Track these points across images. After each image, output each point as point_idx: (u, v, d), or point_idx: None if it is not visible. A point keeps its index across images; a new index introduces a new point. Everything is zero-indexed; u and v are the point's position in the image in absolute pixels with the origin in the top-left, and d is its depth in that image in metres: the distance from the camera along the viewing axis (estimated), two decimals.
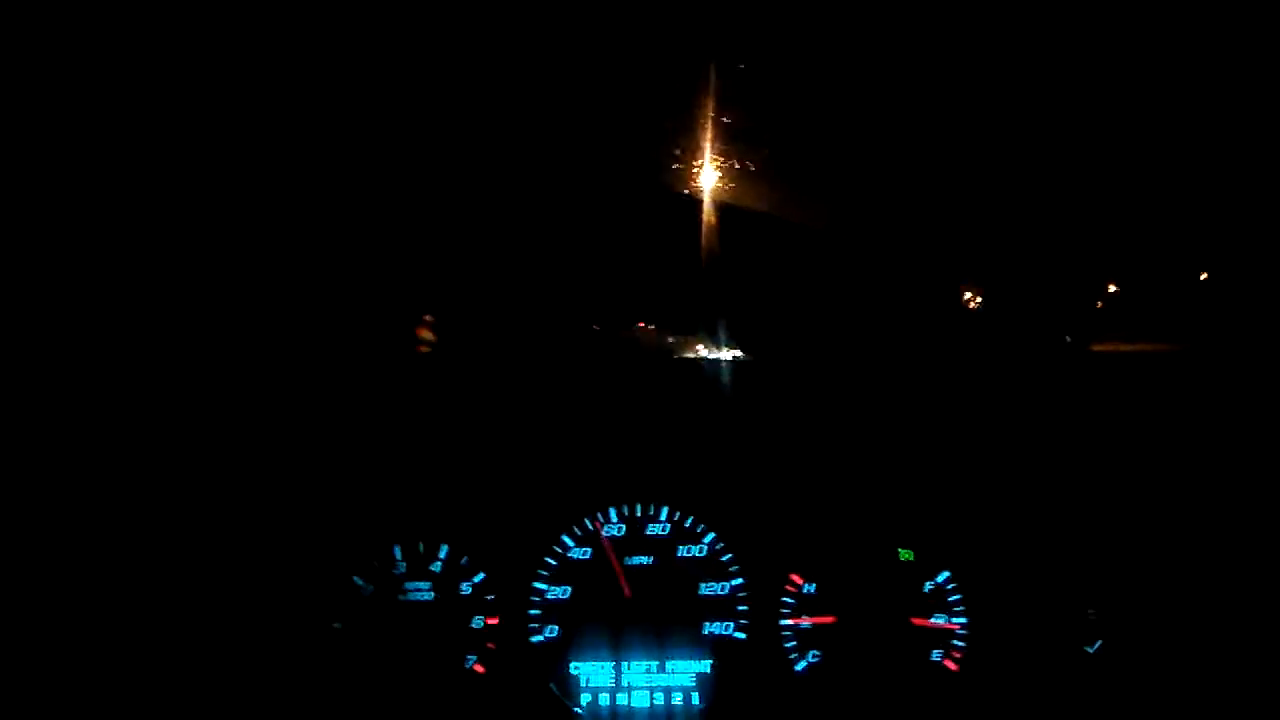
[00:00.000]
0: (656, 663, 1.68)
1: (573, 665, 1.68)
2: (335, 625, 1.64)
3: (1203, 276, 1.97)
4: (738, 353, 1.74)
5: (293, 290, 1.53)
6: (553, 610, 1.68)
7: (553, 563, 1.69)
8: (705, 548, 1.71)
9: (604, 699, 1.67)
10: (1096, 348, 1.89)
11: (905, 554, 1.68)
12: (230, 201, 1.52)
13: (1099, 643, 1.61)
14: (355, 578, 1.66)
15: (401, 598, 1.67)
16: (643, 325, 1.72)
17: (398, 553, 1.68)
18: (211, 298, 1.56)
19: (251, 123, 1.55)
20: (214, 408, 1.61)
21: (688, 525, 1.71)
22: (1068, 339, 1.86)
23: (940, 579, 1.67)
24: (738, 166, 1.65)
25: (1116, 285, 2.00)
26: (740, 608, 1.68)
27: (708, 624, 1.69)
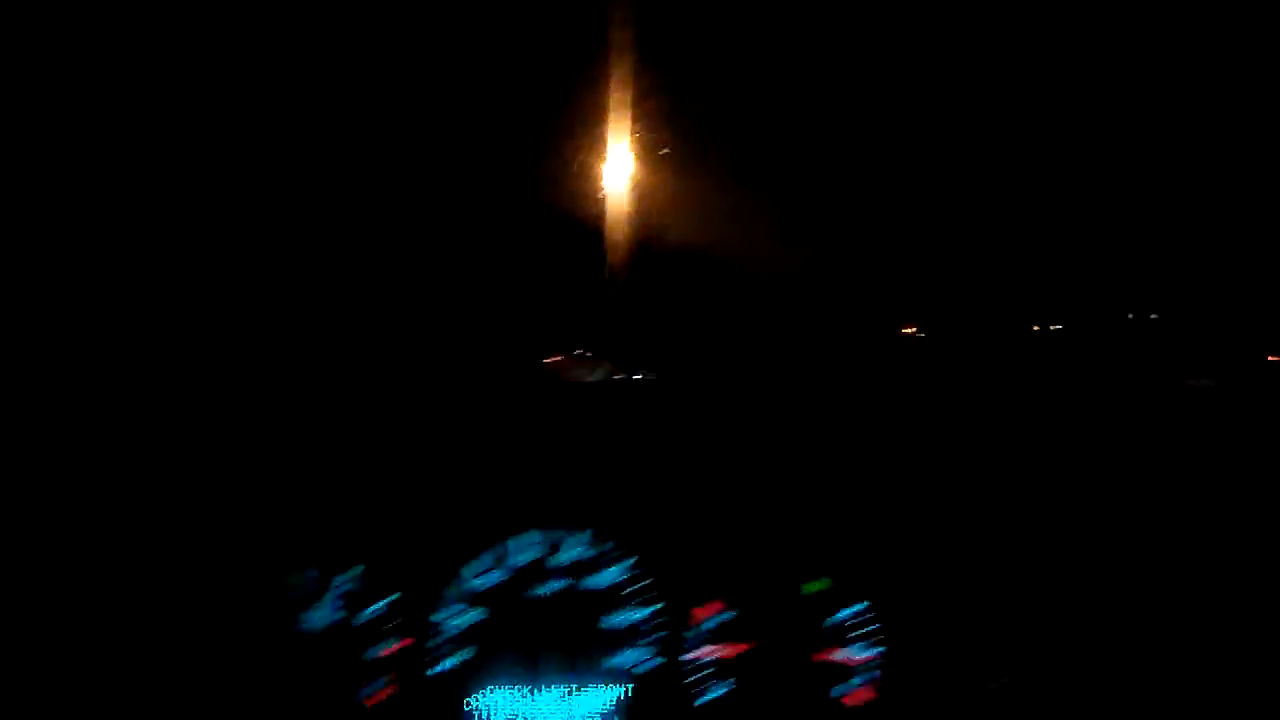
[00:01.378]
0: (568, 691, 1.65)
1: (482, 693, 1.64)
2: (236, 647, 1.60)
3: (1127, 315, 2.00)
4: (656, 375, 1.73)
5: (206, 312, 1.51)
6: (462, 636, 1.65)
7: (464, 587, 1.66)
8: (621, 574, 1.68)
9: None
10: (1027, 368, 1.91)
11: (821, 584, 1.67)
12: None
13: (1004, 679, 1.60)
14: (259, 600, 1.62)
15: (309, 618, 1.63)
16: (560, 351, 1.71)
17: (305, 575, 1.64)
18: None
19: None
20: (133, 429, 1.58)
21: (604, 551, 1.69)
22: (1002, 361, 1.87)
23: (855, 609, 1.65)
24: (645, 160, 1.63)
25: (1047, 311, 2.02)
26: (655, 635, 1.66)
27: (620, 652, 1.66)
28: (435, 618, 1.64)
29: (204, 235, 1.61)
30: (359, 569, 1.64)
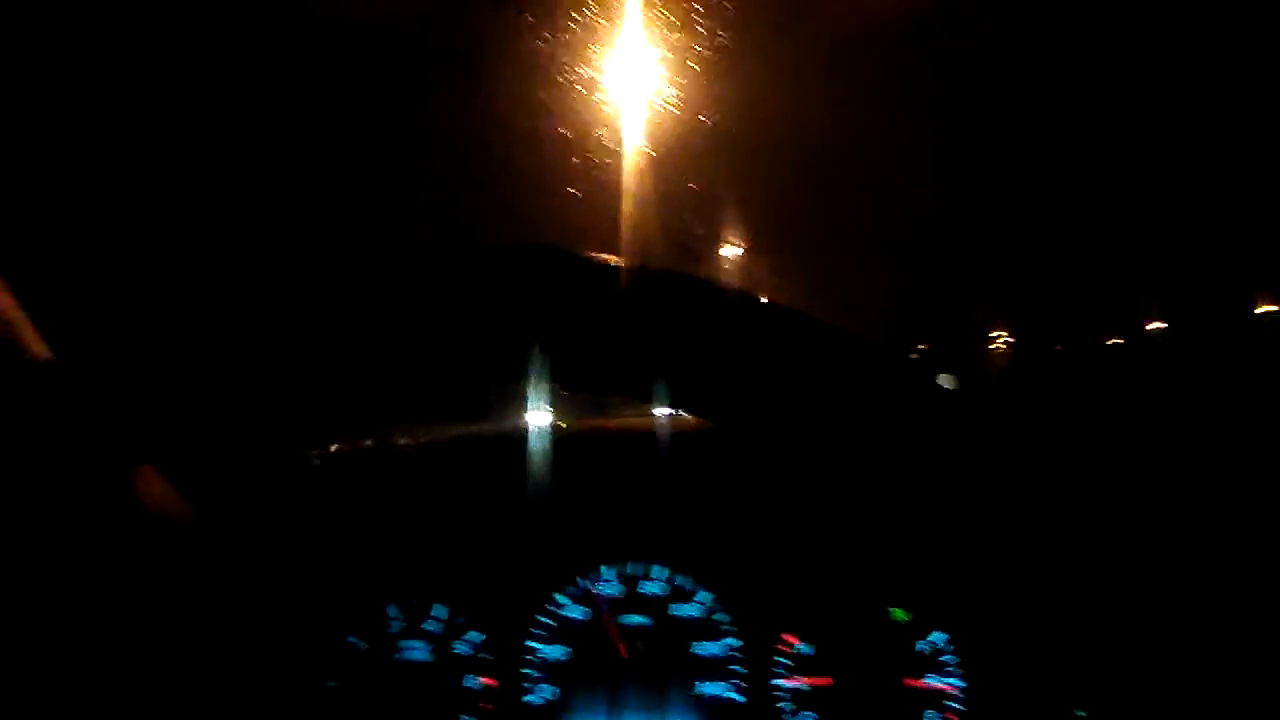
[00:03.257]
0: None
1: None
2: (330, 684, 1.65)
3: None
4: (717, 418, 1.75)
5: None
6: (549, 670, 1.68)
7: (549, 622, 1.69)
8: (700, 607, 1.71)
9: None
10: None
11: (901, 614, 1.68)
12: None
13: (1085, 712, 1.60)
14: (350, 637, 1.67)
15: (396, 656, 1.67)
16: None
17: (393, 611, 1.69)
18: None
19: None
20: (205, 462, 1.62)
21: (683, 584, 1.72)
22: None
23: (936, 639, 1.66)
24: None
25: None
26: (736, 668, 1.68)
27: (703, 684, 1.68)
28: (519, 654, 1.67)
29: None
30: (442, 608, 1.68)
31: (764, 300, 1.23)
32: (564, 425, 1.77)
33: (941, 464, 1.73)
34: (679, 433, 1.85)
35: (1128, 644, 1.62)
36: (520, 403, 1.73)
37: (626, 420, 1.85)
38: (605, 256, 1.08)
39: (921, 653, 1.66)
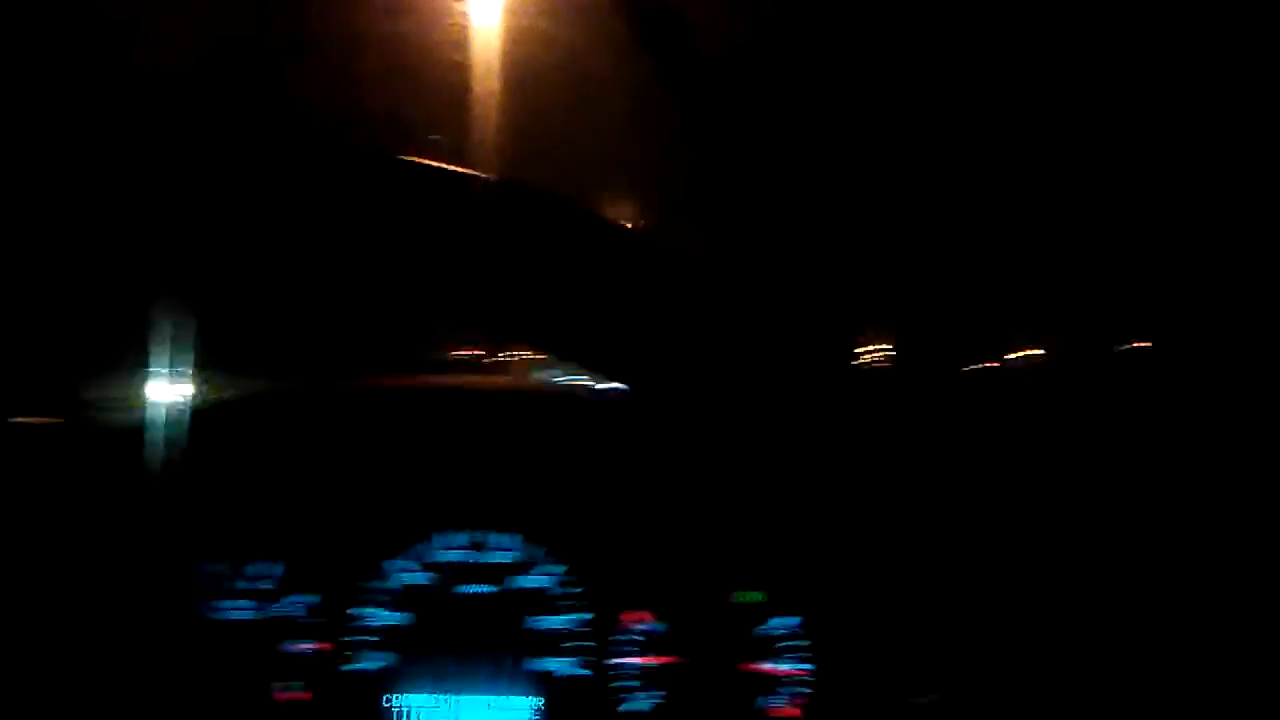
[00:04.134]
0: (490, 698, 1.60)
1: (399, 697, 1.59)
2: (146, 641, 1.54)
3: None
4: (595, 381, 1.69)
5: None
6: (381, 636, 1.60)
7: (386, 586, 1.61)
8: (550, 579, 1.64)
9: None
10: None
11: (754, 595, 1.63)
12: None
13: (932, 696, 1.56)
14: (172, 595, 1.57)
15: (218, 615, 1.57)
16: (490, 349, 1.67)
17: (223, 569, 1.59)
18: None
19: None
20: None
21: (533, 555, 1.65)
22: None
23: (789, 622, 1.62)
24: None
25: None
26: (582, 643, 1.61)
27: (547, 659, 1.61)
28: (354, 618, 1.59)
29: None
30: (278, 566, 1.59)
31: (649, 243, 1.16)
32: (417, 381, 1.69)
33: (801, 448, 1.69)
34: (541, 398, 1.79)
35: (974, 633, 1.59)
36: (369, 350, 1.65)
37: (486, 379, 1.79)
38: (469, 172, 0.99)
39: (772, 636, 1.62)
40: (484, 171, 1.05)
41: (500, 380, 1.76)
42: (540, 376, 1.85)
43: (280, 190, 0.96)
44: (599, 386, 1.78)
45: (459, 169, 1.03)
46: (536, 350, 1.63)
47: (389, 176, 1.00)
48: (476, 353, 1.91)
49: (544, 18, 1.84)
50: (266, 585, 1.60)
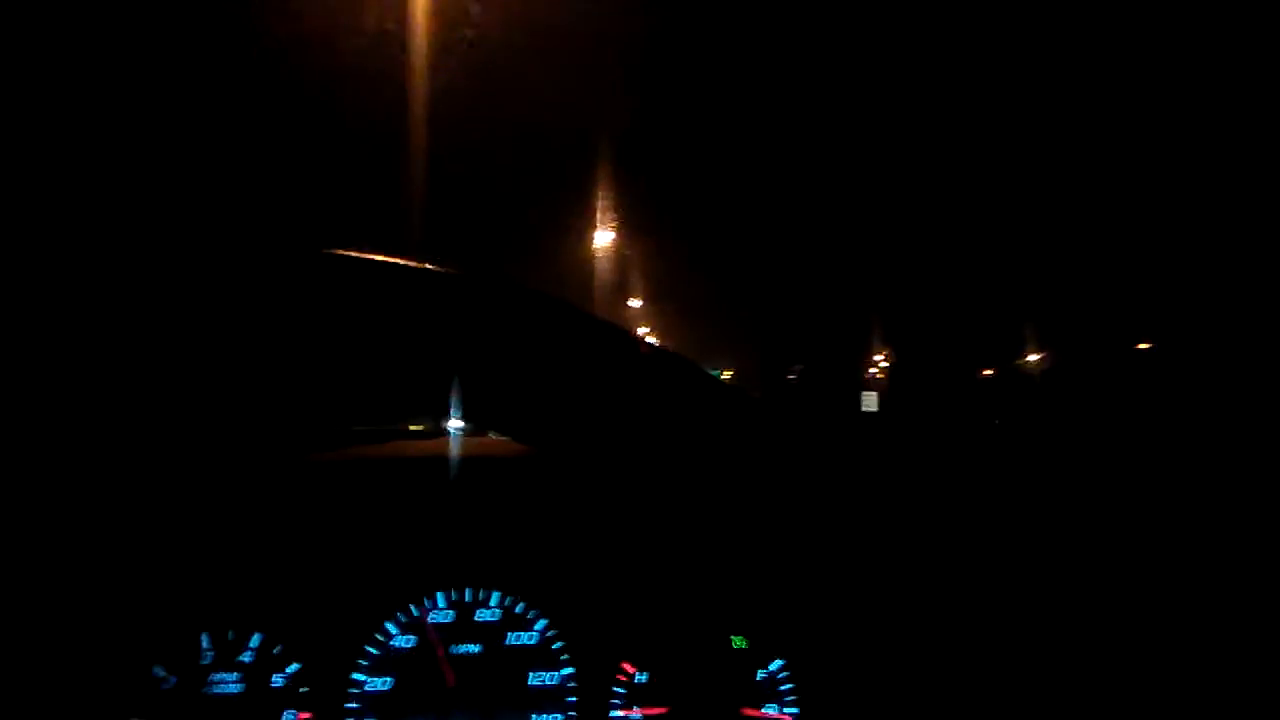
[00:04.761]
0: None
1: None
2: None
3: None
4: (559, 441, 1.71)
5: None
6: (372, 703, 1.59)
7: (374, 652, 1.61)
8: (536, 635, 1.65)
9: None
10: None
11: (738, 641, 1.66)
12: None
13: None
14: (156, 668, 1.55)
15: (207, 690, 1.56)
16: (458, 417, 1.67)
17: (205, 641, 1.58)
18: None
19: None
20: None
21: (518, 611, 1.66)
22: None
23: (773, 667, 1.64)
24: None
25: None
26: (570, 699, 1.63)
27: (536, 715, 1.62)
28: (342, 684, 1.58)
29: None
30: (257, 636, 1.58)
31: (580, 314, 1.18)
32: (395, 444, 1.69)
33: (777, 490, 1.72)
34: (515, 455, 1.79)
35: (959, 672, 1.63)
36: (346, 423, 1.65)
37: (460, 442, 1.79)
38: (400, 260, 1.01)
39: (760, 681, 1.64)
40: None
41: (477, 443, 1.76)
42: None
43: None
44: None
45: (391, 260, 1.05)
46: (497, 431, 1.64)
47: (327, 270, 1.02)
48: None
49: None
50: (249, 656, 1.59)
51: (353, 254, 0.97)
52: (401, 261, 0.99)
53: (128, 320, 1.00)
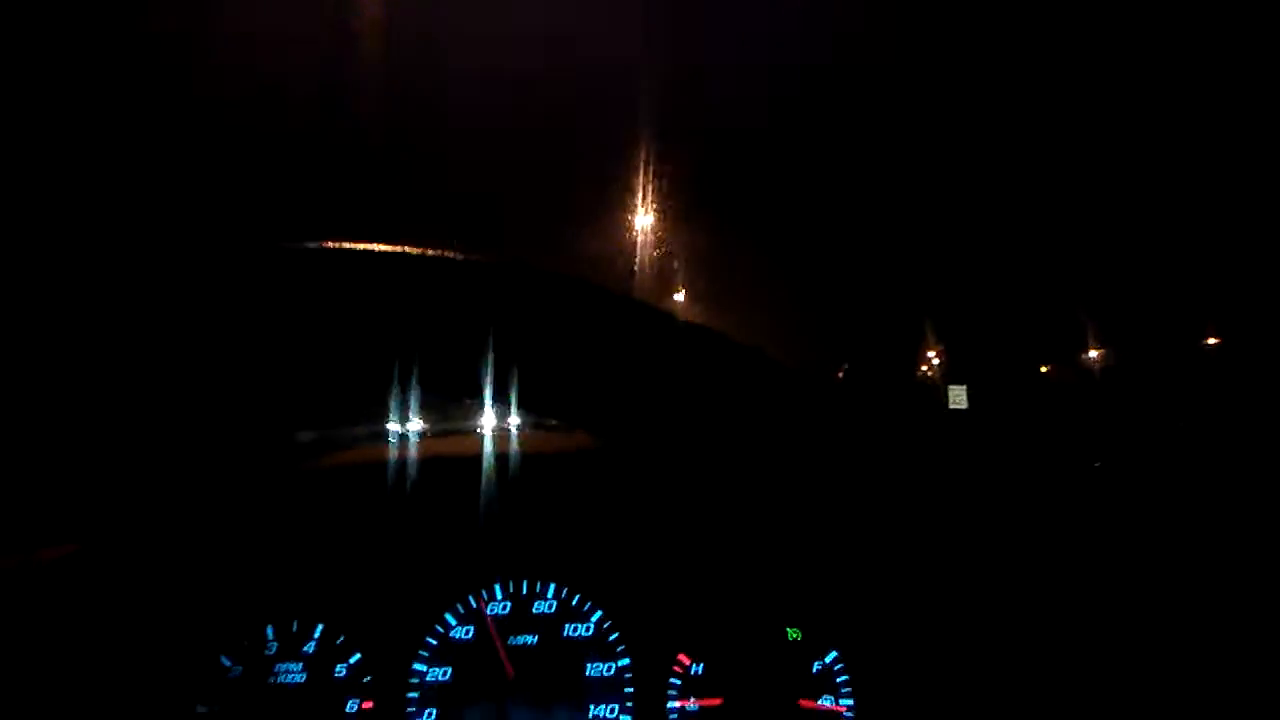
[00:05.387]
0: None
1: None
2: (200, 709, 1.57)
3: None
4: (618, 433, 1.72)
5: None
6: (432, 693, 1.62)
7: (433, 643, 1.63)
8: (592, 626, 1.67)
9: None
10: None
11: (793, 633, 1.66)
12: None
13: None
14: (223, 658, 1.59)
15: (272, 680, 1.60)
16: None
17: (269, 632, 1.62)
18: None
19: None
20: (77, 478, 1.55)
21: (575, 603, 1.67)
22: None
23: (828, 659, 1.64)
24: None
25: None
26: (627, 689, 1.64)
27: (593, 706, 1.64)
28: (402, 675, 1.61)
29: None
30: (320, 627, 1.61)
31: (640, 304, 1.18)
32: (449, 440, 1.72)
33: (833, 483, 1.72)
34: (571, 447, 1.81)
35: (1016, 665, 1.61)
36: (404, 415, 1.67)
37: (517, 435, 1.81)
38: (461, 254, 1.02)
39: (815, 672, 1.64)
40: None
41: (531, 437, 1.78)
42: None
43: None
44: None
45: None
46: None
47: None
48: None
49: None
50: (312, 647, 1.62)
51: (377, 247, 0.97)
52: (415, 250, 0.99)
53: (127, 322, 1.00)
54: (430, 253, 0.98)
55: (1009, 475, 1.76)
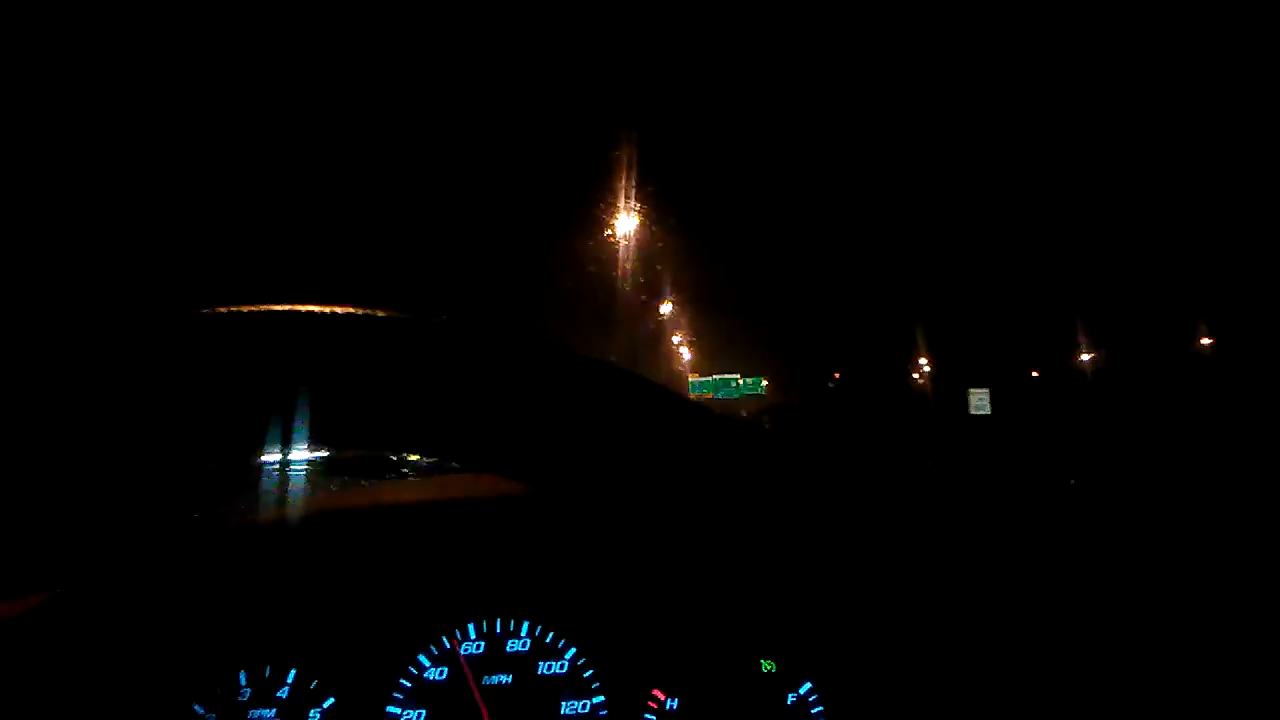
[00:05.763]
0: None
1: None
2: None
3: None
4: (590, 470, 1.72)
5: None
6: None
7: (407, 685, 1.63)
8: (566, 664, 1.67)
9: None
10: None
11: (767, 664, 1.66)
12: None
13: None
14: (195, 706, 1.59)
15: None
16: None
17: (242, 678, 1.61)
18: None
19: None
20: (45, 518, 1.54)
21: (549, 641, 1.67)
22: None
23: (802, 690, 1.64)
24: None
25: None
26: None
27: None
28: (377, 718, 1.61)
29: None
30: (293, 672, 1.61)
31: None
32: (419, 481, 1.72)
33: (802, 515, 1.72)
34: (540, 490, 1.81)
35: (992, 691, 1.61)
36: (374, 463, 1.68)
37: (487, 476, 1.81)
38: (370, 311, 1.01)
39: (790, 704, 1.64)
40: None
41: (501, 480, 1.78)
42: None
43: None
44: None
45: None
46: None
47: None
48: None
49: None
50: (285, 692, 1.62)
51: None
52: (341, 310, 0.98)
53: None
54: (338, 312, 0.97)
55: (980, 499, 1.77)
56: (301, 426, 0.98)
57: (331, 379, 0.99)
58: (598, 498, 1.51)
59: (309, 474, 1.79)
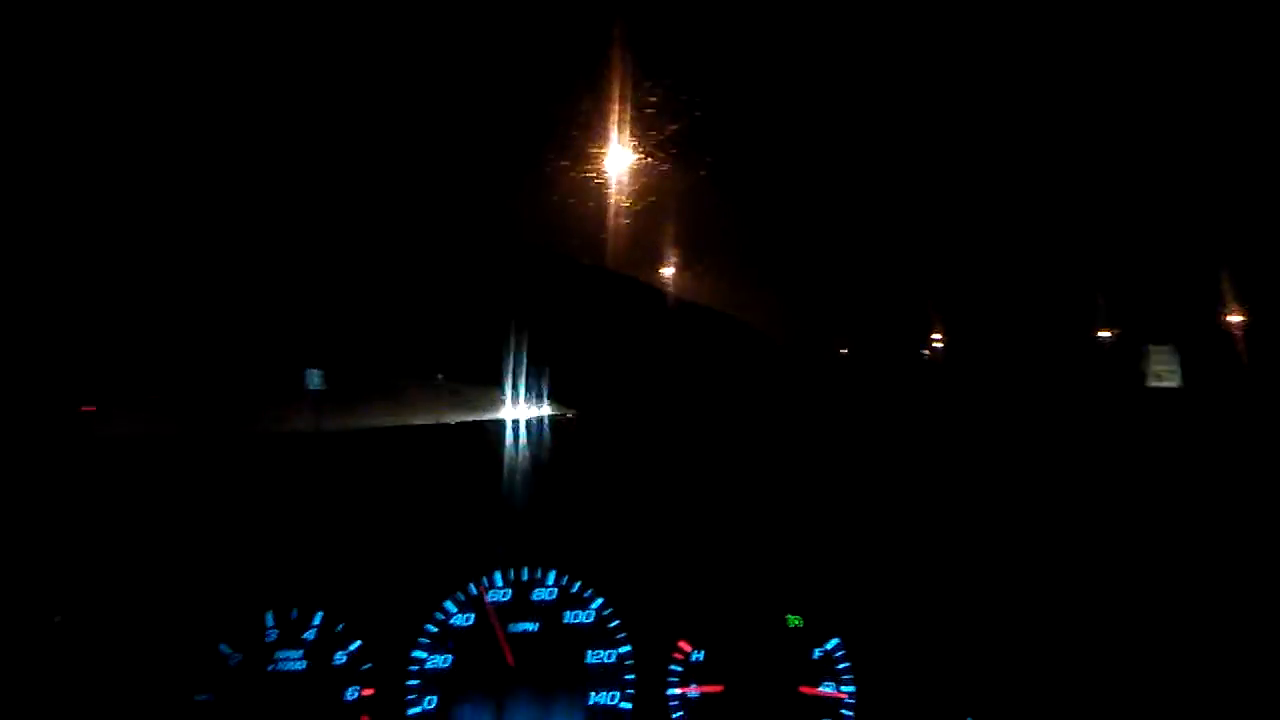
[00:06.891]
0: None
1: None
2: (199, 698, 1.56)
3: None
4: (623, 413, 1.71)
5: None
6: (432, 680, 1.62)
7: (433, 630, 1.63)
8: (593, 613, 1.66)
9: None
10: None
11: (794, 620, 1.65)
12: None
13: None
14: (222, 645, 1.59)
15: (271, 667, 1.59)
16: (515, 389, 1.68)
17: (269, 619, 1.61)
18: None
19: None
20: (75, 466, 1.54)
21: (575, 590, 1.67)
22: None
23: (829, 645, 1.63)
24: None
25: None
26: (627, 676, 1.63)
27: (593, 693, 1.63)
28: (403, 662, 1.61)
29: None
30: (319, 615, 1.61)
31: (649, 289, 1.17)
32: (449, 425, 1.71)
33: (834, 469, 1.71)
34: (571, 436, 1.80)
35: (1015, 651, 1.61)
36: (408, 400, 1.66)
37: (517, 423, 1.80)
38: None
39: (816, 659, 1.63)
40: None
41: (533, 424, 1.77)
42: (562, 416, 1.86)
43: None
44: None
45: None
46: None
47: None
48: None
49: None
50: (311, 634, 1.62)
51: None
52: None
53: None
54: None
55: (1010, 460, 1.75)
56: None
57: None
58: (645, 438, 1.51)
59: (347, 403, 1.78)
